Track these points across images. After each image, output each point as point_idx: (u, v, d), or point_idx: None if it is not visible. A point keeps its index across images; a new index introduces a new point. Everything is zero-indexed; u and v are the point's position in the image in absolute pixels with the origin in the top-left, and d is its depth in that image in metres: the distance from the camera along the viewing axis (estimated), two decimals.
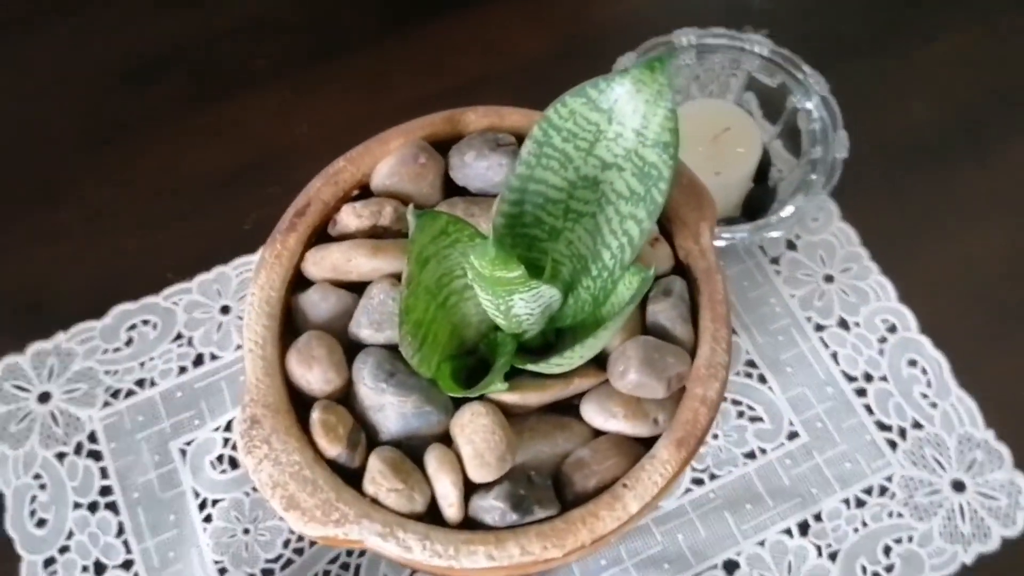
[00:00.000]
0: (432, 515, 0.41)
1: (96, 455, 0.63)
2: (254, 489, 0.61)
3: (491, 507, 0.40)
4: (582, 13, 0.77)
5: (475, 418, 0.41)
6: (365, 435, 0.43)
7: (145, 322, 0.67)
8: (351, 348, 0.44)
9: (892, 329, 0.65)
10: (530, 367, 0.41)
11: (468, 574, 0.42)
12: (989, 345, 0.64)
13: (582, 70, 0.62)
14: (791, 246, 0.68)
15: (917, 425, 0.62)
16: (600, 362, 0.44)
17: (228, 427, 0.63)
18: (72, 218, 0.71)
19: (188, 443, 0.63)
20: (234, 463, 0.62)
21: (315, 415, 0.42)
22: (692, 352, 0.43)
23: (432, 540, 0.40)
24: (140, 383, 0.65)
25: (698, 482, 0.61)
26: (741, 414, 0.63)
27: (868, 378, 0.63)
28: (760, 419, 0.62)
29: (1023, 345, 0.64)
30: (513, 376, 0.42)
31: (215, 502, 0.61)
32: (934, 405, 0.62)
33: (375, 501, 0.41)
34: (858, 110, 0.67)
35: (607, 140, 0.39)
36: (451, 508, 0.41)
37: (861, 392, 0.63)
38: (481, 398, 0.42)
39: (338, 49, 0.77)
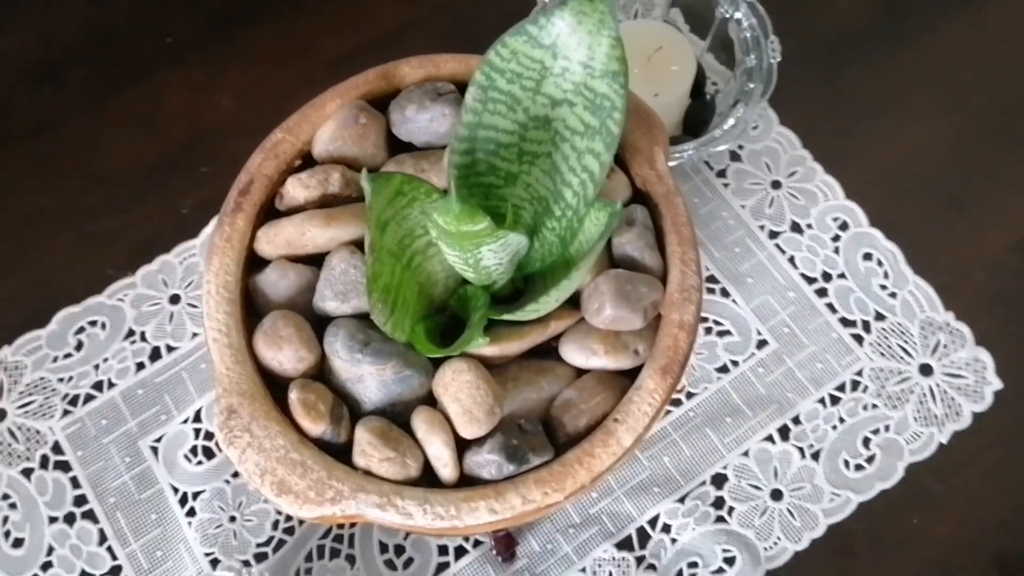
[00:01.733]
0: (428, 478, 0.41)
1: (64, 466, 0.61)
2: (235, 475, 0.60)
3: (486, 461, 0.40)
4: None
5: (457, 375, 0.40)
6: (347, 408, 0.42)
7: (93, 323, 0.65)
8: (318, 323, 0.43)
9: (844, 227, 0.65)
10: (505, 316, 0.40)
11: (472, 530, 0.41)
12: (939, 230, 0.65)
13: (507, 3, 0.61)
14: (735, 157, 0.68)
15: (880, 317, 0.63)
16: (573, 301, 0.43)
17: (197, 418, 0.62)
18: (3, 222, 0.67)
19: (158, 440, 0.61)
20: (209, 454, 0.61)
21: (293, 395, 0.41)
22: (663, 279, 0.43)
23: (432, 503, 0.39)
24: (98, 386, 0.63)
25: (676, 403, 0.61)
26: (709, 330, 0.63)
27: (827, 277, 0.64)
28: (728, 332, 0.63)
29: (971, 227, 0.65)
30: (488, 328, 0.41)
31: (196, 495, 0.60)
32: (893, 295, 0.63)
33: (368, 473, 0.40)
34: (785, 14, 0.67)
35: (554, 76, 0.38)
36: (446, 468, 0.40)
37: (822, 292, 0.64)
38: (460, 354, 0.41)
39: (251, 14, 0.74)
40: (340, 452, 0.41)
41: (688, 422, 0.61)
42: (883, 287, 0.64)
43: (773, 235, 0.65)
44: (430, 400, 0.41)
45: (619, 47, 0.36)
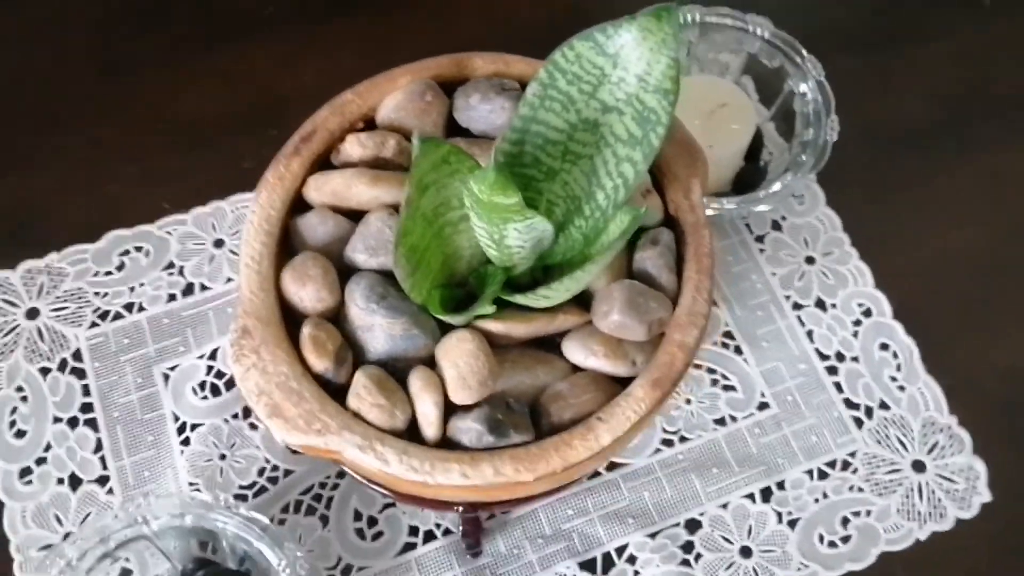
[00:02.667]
0: (411, 434, 0.43)
1: (80, 373, 0.64)
2: (234, 416, 0.63)
3: (469, 428, 0.42)
4: None
5: (460, 343, 0.42)
6: (352, 354, 0.44)
7: (138, 249, 0.68)
8: (344, 272, 0.46)
9: (867, 313, 0.67)
10: (517, 299, 0.42)
11: (441, 491, 0.43)
12: (959, 335, 0.66)
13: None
14: (776, 227, 0.69)
15: (884, 406, 0.64)
16: (585, 304, 0.45)
17: (213, 355, 0.64)
18: (74, 145, 0.72)
19: (172, 368, 0.64)
20: (216, 391, 0.63)
21: (306, 331, 0.43)
22: (674, 301, 0.45)
23: (409, 455, 0.41)
24: (129, 307, 0.66)
25: (668, 443, 0.62)
26: (715, 382, 0.64)
27: (840, 358, 0.65)
28: (733, 388, 0.64)
29: (992, 338, 0.66)
30: (500, 308, 0.43)
31: (194, 427, 0.62)
32: (902, 388, 0.64)
33: (357, 415, 0.42)
34: (852, 100, 0.69)
35: (610, 84, 0.41)
36: (430, 427, 0.42)
37: (832, 370, 0.65)
38: (467, 326, 0.43)
39: (347, 6, 0.78)
40: (336, 392, 0.43)
41: (675, 463, 0.62)
42: (893, 379, 0.64)
43: (797, 307, 0.67)
44: (430, 363, 0.43)
45: (675, 67, 0.39)
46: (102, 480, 0.61)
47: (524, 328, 0.43)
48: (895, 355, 0.65)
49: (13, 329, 0.65)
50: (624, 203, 0.40)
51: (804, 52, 0.65)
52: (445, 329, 0.44)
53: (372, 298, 0.43)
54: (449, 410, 0.43)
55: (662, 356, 0.43)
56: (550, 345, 0.45)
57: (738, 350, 0.65)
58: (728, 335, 0.66)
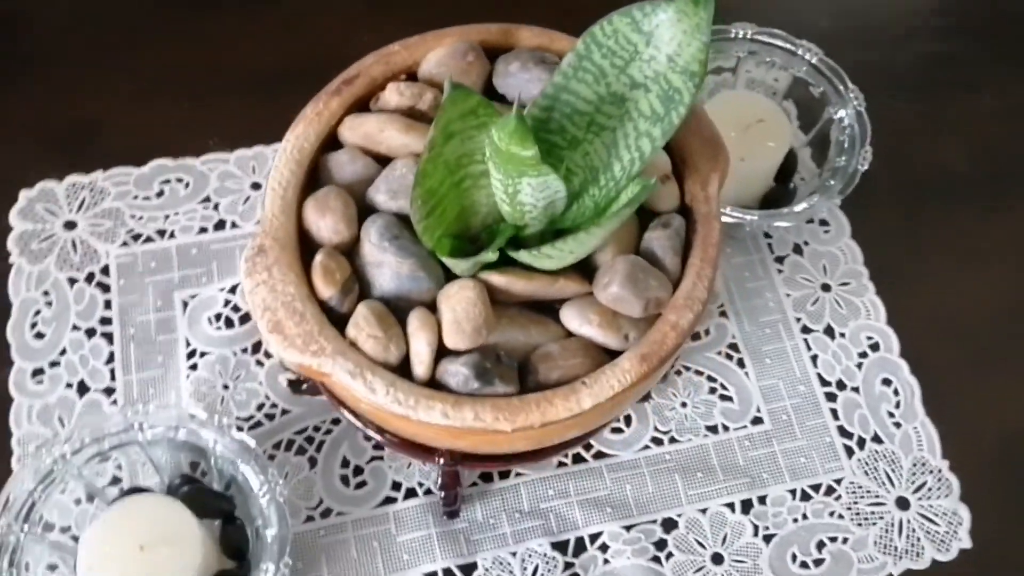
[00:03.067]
0: (402, 371, 0.44)
1: (104, 287, 0.66)
2: (243, 350, 0.65)
3: (457, 372, 0.43)
4: None
5: (461, 290, 0.44)
6: (359, 287, 0.46)
7: (179, 180, 0.70)
8: (364, 211, 0.47)
9: (875, 347, 0.67)
10: (522, 255, 0.44)
11: (423, 430, 0.44)
12: (964, 385, 0.66)
13: None
14: (798, 250, 0.70)
15: (877, 439, 0.64)
16: (589, 276, 0.47)
17: (232, 290, 0.67)
18: (136, 74, 0.75)
19: (192, 296, 0.66)
20: (230, 323, 0.65)
21: (318, 258, 0.45)
22: (675, 285, 0.46)
23: (396, 388, 0.43)
24: (161, 233, 0.68)
25: (658, 442, 0.63)
26: (713, 390, 0.65)
27: (841, 386, 0.66)
28: (730, 399, 0.65)
29: (996, 392, 0.66)
30: (505, 265, 0.45)
31: (203, 354, 0.64)
32: (898, 425, 0.64)
33: (353, 344, 0.44)
34: (892, 140, 0.70)
35: (641, 61, 0.42)
36: (421, 366, 0.44)
37: (831, 397, 0.65)
38: (471, 277, 0.45)
39: None
40: (338, 320, 0.45)
41: (662, 462, 0.63)
42: (891, 414, 0.65)
43: (806, 330, 0.67)
44: (431, 307, 0.45)
45: (705, 52, 0.40)
46: (108, 391, 0.63)
47: (524, 285, 0.44)
48: (896, 392, 0.66)
49: (50, 237, 0.68)
50: (637, 176, 0.42)
51: (848, 82, 0.66)
52: (450, 278, 0.45)
53: (386, 236, 0.45)
54: (441, 353, 0.44)
55: (654, 333, 0.44)
56: (549, 311, 0.47)
57: (741, 363, 0.66)
58: (733, 347, 0.67)
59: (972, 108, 0.77)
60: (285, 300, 0.44)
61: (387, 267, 0.45)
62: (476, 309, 0.43)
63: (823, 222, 0.71)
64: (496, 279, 0.44)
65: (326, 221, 0.46)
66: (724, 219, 0.62)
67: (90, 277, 0.67)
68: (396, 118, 0.48)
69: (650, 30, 0.41)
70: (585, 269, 0.47)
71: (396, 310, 0.45)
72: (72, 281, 0.66)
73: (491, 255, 0.42)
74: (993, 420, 0.65)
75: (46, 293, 0.66)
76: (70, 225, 0.68)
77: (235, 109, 0.74)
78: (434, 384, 0.44)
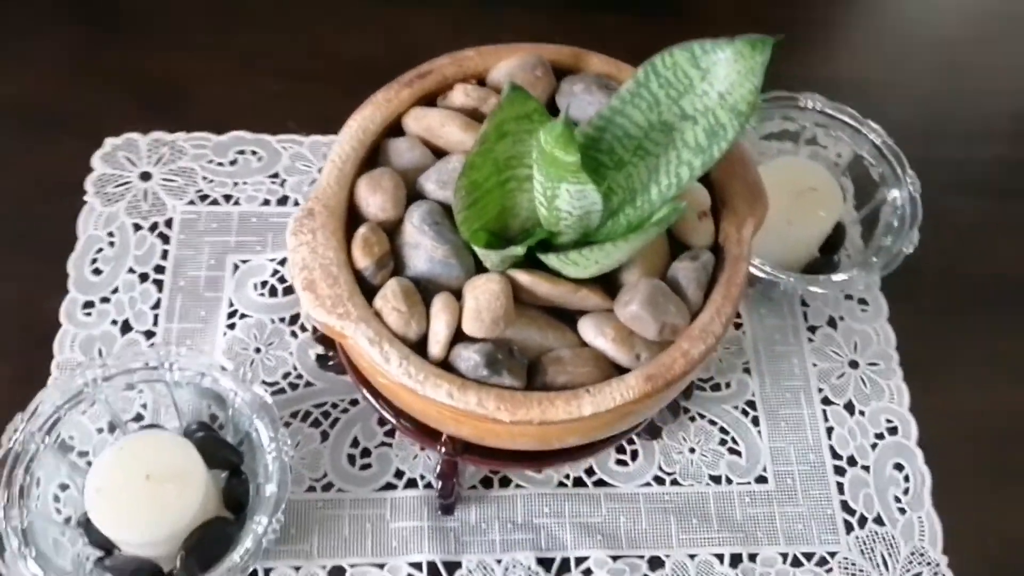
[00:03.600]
0: (419, 349, 0.46)
1: (165, 238, 0.70)
2: (281, 319, 0.67)
3: (468, 357, 0.45)
4: None
5: (487, 282, 0.46)
6: (394, 264, 0.48)
7: (254, 153, 0.74)
8: (412, 196, 0.50)
9: (893, 431, 0.67)
10: (550, 258, 0.46)
11: (428, 408, 0.46)
12: (977, 489, 0.65)
13: None
14: (832, 324, 0.71)
15: (879, 521, 0.64)
16: (612, 294, 0.48)
17: (282, 262, 0.70)
18: (236, 47, 0.79)
19: (244, 261, 0.69)
20: (274, 292, 0.68)
21: (361, 230, 0.48)
22: (694, 316, 0.48)
23: (409, 362, 0.45)
24: (227, 198, 0.72)
25: (660, 481, 0.64)
26: (724, 442, 0.66)
27: (852, 462, 0.66)
28: (738, 453, 0.65)
29: (1009, 504, 0.65)
30: (533, 267, 0.47)
31: (243, 316, 0.67)
32: (903, 511, 0.64)
33: (378, 315, 0.46)
34: (947, 232, 0.71)
35: (694, 95, 0.44)
36: (437, 345, 0.46)
37: (840, 471, 0.65)
38: (499, 273, 0.47)
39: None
40: (368, 291, 0.47)
41: (660, 501, 0.63)
42: (897, 499, 0.65)
43: (826, 402, 0.68)
44: (457, 294, 0.47)
45: (755, 95, 0.42)
46: (149, 334, 0.66)
47: (548, 288, 0.46)
48: (907, 479, 0.65)
49: (125, 184, 0.72)
50: (672, 199, 0.44)
51: (907, 166, 0.67)
52: (480, 271, 0.48)
53: (427, 220, 0.47)
54: (458, 338, 0.46)
55: (664, 357, 0.46)
56: (569, 320, 0.48)
57: (755, 421, 0.67)
58: (751, 404, 0.67)
59: None
60: (323, 262, 0.47)
61: (423, 250, 0.47)
62: (498, 301, 0.45)
63: (862, 301, 0.72)
64: (522, 277, 0.46)
65: (375, 198, 0.48)
66: (759, 274, 0.63)
67: (154, 227, 0.70)
68: (458, 116, 0.51)
69: (707, 67, 0.43)
70: (610, 287, 0.48)
71: (424, 291, 0.47)
72: (137, 227, 0.70)
73: (519, 250, 0.44)
74: (1000, 525, 0.64)
75: (111, 234, 0.70)
76: (145, 176, 0.72)
77: (318, 96, 0.77)
78: (446, 366, 0.46)
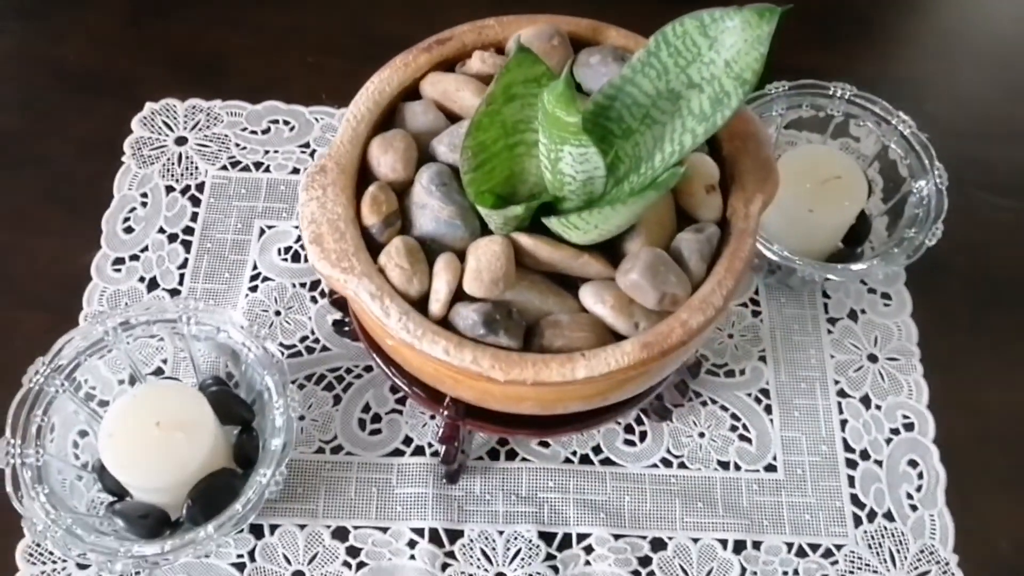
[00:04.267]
0: (420, 307, 0.47)
1: (196, 201, 0.72)
2: (302, 284, 0.69)
3: (467, 316, 0.46)
4: None
5: (490, 244, 0.46)
6: (401, 223, 0.49)
7: (286, 123, 0.76)
8: (424, 159, 0.51)
9: (909, 427, 0.66)
10: (552, 221, 0.46)
11: (425, 364, 0.47)
12: (992, 487, 0.64)
13: None
14: (853, 316, 0.70)
15: (889, 516, 0.63)
16: (615, 263, 0.48)
17: None
18: (275, 23, 0.81)
19: (270, 227, 0.71)
20: (296, 257, 0.70)
21: (371, 189, 0.49)
22: (695, 288, 0.48)
23: (409, 318, 0.45)
24: (258, 165, 0.73)
25: (667, 463, 0.64)
26: (735, 428, 0.65)
27: (865, 456, 0.65)
28: (749, 440, 0.65)
29: (1020, 505, 0.64)
30: (536, 231, 0.47)
31: (265, 279, 0.69)
32: (915, 508, 0.63)
33: (382, 271, 0.47)
34: (975, 230, 0.70)
35: (701, 63, 0.44)
36: (437, 303, 0.46)
37: (852, 464, 0.65)
38: (503, 236, 0.47)
39: None
40: (374, 248, 0.48)
41: (666, 483, 0.63)
42: (909, 496, 0.64)
43: (842, 394, 0.67)
44: (461, 255, 0.48)
45: (760, 63, 0.42)
46: (174, 292, 0.68)
47: (549, 252, 0.46)
48: (920, 475, 0.64)
49: (161, 147, 0.74)
50: (674, 164, 0.44)
51: (935, 159, 0.66)
52: (486, 234, 0.48)
53: (435, 181, 0.48)
54: (458, 297, 0.47)
55: (662, 326, 0.46)
56: (571, 287, 0.49)
57: (768, 409, 0.66)
58: (764, 392, 0.67)
59: None
60: (331, 218, 0.48)
61: (430, 210, 0.48)
62: (499, 262, 0.45)
63: (885, 295, 0.71)
64: (524, 240, 0.46)
65: (387, 158, 0.49)
66: (772, 257, 0.63)
67: (186, 189, 0.72)
68: (473, 82, 0.51)
69: (715, 35, 0.43)
70: (614, 256, 0.48)
71: (430, 251, 0.48)
72: (169, 189, 0.72)
73: (518, 209, 0.45)
74: (1013, 527, 0.63)
75: (144, 195, 0.72)
76: (181, 140, 0.74)
77: (352, 72, 0.77)
78: (446, 324, 0.47)
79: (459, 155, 0.47)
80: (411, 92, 0.53)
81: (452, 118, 0.52)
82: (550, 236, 0.48)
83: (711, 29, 0.43)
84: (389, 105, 0.52)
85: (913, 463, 0.65)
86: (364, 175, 0.50)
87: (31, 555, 0.58)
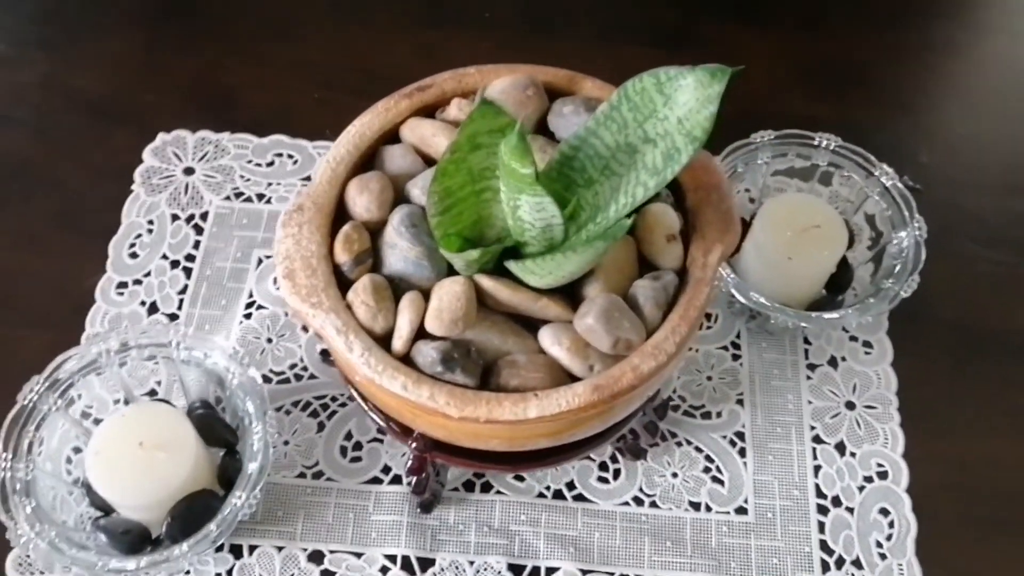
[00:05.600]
0: (385, 344, 0.49)
1: (199, 230, 0.75)
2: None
3: (426, 353, 0.48)
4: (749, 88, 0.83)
5: (452, 284, 0.48)
6: (372, 262, 0.51)
7: (290, 156, 0.79)
8: (399, 200, 0.53)
9: (883, 475, 0.67)
10: (511, 264, 0.48)
11: (388, 400, 0.49)
12: (962, 537, 0.65)
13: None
14: (833, 363, 0.71)
15: (858, 564, 0.63)
16: (575, 307, 0.50)
17: None
18: (285, 58, 0.84)
19: (267, 256, 0.74)
20: None
21: (344, 228, 0.51)
22: (650, 334, 0.49)
23: (371, 353, 0.48)
24: (260, 197, 0.76)
25: (639, 501, 0.65)
26: (708, 470, 0.66)
27: (837, 502, 0.66)
28: (721, 482, 0.66)
29: (991, 554, 0.64)
30: (498, 274, 0.49)
31: (260, 307, 0.71)
32: (884, 557, 0.64)
33: (349, 307, 0.49)
34: (963, 281, 0.71)
35: (656, 119, 0.46)
36: (400, 340, 0.48)
37: (823, 510, 0.65)
38: (467, 277, 0.49)
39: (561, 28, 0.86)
40: (344, 285, 0.50)
41: (637, 521, 0.64)
42: (879, 544, 0.64)
43: (817, 440, 0.68)
44: (427, 294, 0.50)
45: (710, 121, 0.44)
46: (172, 316, 0.71)
47: (509, 295, 0.48)
48: (891, 524, 0.65)
49: (170, 176, 0.77)
50: (625, 216, 0.45)
51: (915, 211, 0.67)
52: (452, 275, 0.50)
53: (405, 223, 0.50)
54: (420, 334, 0.49)
55: (614, 370, 0.47)
56: (532, 328, 0.50)
57: (742, 452, 0.67)
58: (740, 435, 0.68)
59: None
60: (305, 254, 0.50)
61: (399, 250, 0.50)
62: (459, 303, 0.47)
63: (867, 343, 0.71)
64: (485, 282, 0.48)
65: (362, 199, 0.52)
66: (742, 300, 0.64)
67: (190, 218, 0.75)
68: (449, 128, 0.54)
69: (670, 93, 0.45)
70: (574, 299, 0.50)
71: (398, 289, 0.50)
72: (175, 217, 0.75)
73: (476, 253, 0.46)
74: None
75: (151, 222, 0.75)
76: (189, 171, 0.77)
77: (356, 107, 0.80)
78: (407, 361, 0.49)
79: (427, 199, 0.49)
80: (392, 136, 0.55)
81: (429, 162, 0.54)
82: (513, 279, 0.50)
83: (667, 87, 0.45)
84: (370, 148, 0.54)
85: (884, 511, 0.65)
86: (342, 214, 0.53)
87: (20, 565, 0.61)
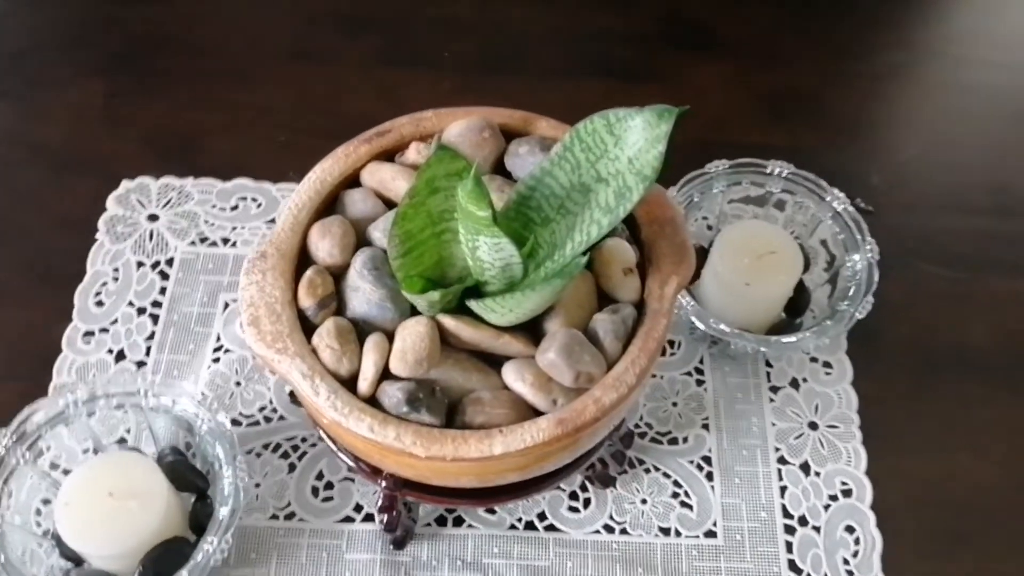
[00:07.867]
0: (350, 386, 0.50)
1: (165, 275, 0.75)
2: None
3: (392, 394, 0.48)
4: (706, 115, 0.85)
5: (416, 325, 0.49)
6: (337, 305, 0.52)
7: (254, 199, 0.79)
8: (361, 243, 0.54)
9: (847, 493, 0.68)
10: (472, 303, 0.49)
11: (355, 442, 0.50)
12: (927, 551, 0.66)
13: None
14: (795, 385, 0.72)
15: None
16: (537, 342, 0.51)
17: None
18: (248, 105, 0.85)
19: (234, 300, 0.74)
20: None
21: (307, 273, 0.52)
22: (610, 366, 0.50)
23: (337, 396, 0.48)
24: (225, 241, 0.77)
25: (609, 529, 0.66)
26: (676, 495, 0.68)
27: (803, 522, 0.67)
28: (690, 507, 0.67)
29: (957, 568, 0.65)
30: (460, 313, 0.50)
31: (227, 351, 0.72)
32: (851, 573, 0.65)
33: (314, 351, 0.50)
34: (916, 300, 0.73)
35: (607, 159, 0.47)
36: (365, 382, 0.49)
37: (790, 530, 0.66)
38: (430, 317, 0.50)
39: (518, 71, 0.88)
40: (309, 329, 0.51)
41: (608, 550, 0.65)
42: (846, 561, 0.65)
43: (782, 461, 0.69)
44: (391, 336, 0.50)
45: (659, 161, 0.45)
46: (140, 363, 0.71)
47: (471, 333, 0.49)
48: (857, 541, 0.66)
49: (134, 224, 0.78)
50: (581, 254, 0.47)
51: (867, 234, 0.69)
52: (415, 315, 0.51)
53: (368, 266, 0.51)
54: (385, 375, 0.49)
55: (577, 403, 0.48)
56: (496, 365, 0.51)
57: (709, 476, 0.68)
58: (706, 459, 0.69)
59: (1008, 290, 0.78)
60: (269, 301, 0.51)
61: (362, 293, 0.51)
62: (423, 343, 0.48)
63: (826, 364, 0.73)
64: (448, 321, 0.49)
65: (324, 243, 0.53)
66: (700, 326, 0.65)
67: (156, 264, 0.76)
68: (409, 171, 0.55)
69: (620, 133, 0.47)
70: (536, 335, 0.51)
71: (362, 332, 0.51)
72: (140, 264, 0.76)
73: (436, 295, 0.48)
74: None
75: (116, 270, 0.75)
76: (153, 217, 0.78)
77: (320, 149, 0.81)
78: (373, 402, 0.49)
79: (387, 241, 0.50)
80: (353, 180, 0.57)
81: (389, 205, 0.55)
82: (475, 317, 0.51)
83: (616, 128, 0.47)
84: (331, 193, 0.55)
85: (850, 529, 0.67)
86: (304, 259, 0.53)
87: None
